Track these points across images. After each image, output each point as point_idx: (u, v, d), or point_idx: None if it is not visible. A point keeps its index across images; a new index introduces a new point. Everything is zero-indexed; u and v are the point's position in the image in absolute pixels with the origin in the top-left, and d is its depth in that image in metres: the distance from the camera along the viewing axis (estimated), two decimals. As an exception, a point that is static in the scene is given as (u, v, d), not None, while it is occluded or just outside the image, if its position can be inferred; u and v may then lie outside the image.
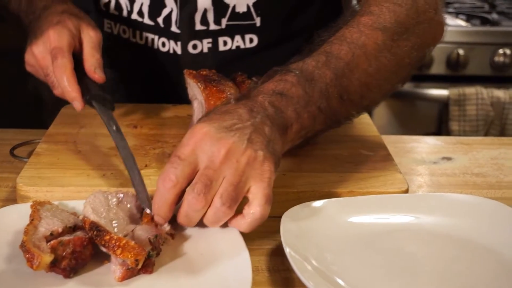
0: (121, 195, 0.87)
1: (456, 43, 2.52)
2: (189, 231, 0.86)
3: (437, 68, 2.55)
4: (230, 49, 1.25)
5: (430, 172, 1.13)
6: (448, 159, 1.17)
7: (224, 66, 1.08)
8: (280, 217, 0.85)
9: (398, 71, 1.01)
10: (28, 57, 1.09)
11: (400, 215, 0.92)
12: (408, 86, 2.56)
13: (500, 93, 2.50)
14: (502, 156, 1.18)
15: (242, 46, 1.25)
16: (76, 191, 0.94)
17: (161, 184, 0.82)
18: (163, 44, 1.26)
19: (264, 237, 0.90)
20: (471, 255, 0.86)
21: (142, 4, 1.25)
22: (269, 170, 0.83)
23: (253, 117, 0.85)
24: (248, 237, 0.83)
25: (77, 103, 1.03)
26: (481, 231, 0.89)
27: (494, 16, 2.66)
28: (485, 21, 2.62)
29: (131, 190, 0.89)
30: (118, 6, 1.27)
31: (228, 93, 1.04)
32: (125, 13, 1.27)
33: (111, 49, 1.17)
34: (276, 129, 0.86)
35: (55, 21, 1.07)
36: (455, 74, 2.56)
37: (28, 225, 0.79)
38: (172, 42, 1.26)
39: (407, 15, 0.99)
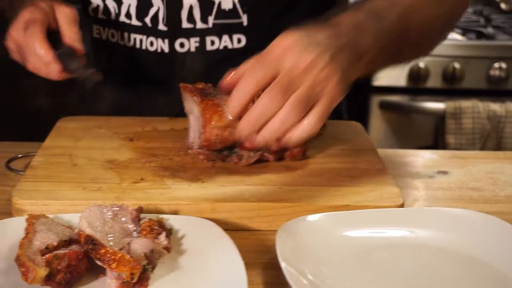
0: (117, 209, 0.87)
1: (452, 57, 2.53)
2: (185, 245, 0.86)
3: (433, 81, 2.55)
4: (217, 49, 1.26)
5: (426, 186, 1.13)
6: (444, 173, 1.17)
7: (213, 66, 1.09)
8: (276, 230, 0.85)
9: (446, 21, 1.16)
10: (8, 43, 1.11)
11: (396, 229, 0.92)
12: (404, 99, 2.57)
13: (496, 107, 2.51)
14: (498, 171, 1.18)
15: (230, 46, 1.26)
16: (71, 204, 0.94)
17: (242, 81, 0.85)
18: (151, 43, 1.27)
19: (259, 251, 0.90)
20: (467, 270, 0.86)
21: (129, 6, 1.26)
22: (338, 93, 0.86)
23: (338, 40, 0.89)
24: (244, 251, 0.83)
25: (54, 66, 1.06)
26: (477, 245, 0.89)
27: (490, 30, 2.67)
28: (480, 35, 2.63)
29: (126, 204, 0.89)
30: (106, 10, 1.28)
31: (225, 106, 1.04)
32: (113, 16, 1.28)
33: (100, 56, 1.22)
34: (353, 56, 0.90)
35: (28, 4, 1.11)
36: (451, 87, 2.57)
37: (23, 238, 0.79)
38: (160, 40, 1.26)
39: None
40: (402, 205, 0.97)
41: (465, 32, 2.66)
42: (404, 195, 0.99)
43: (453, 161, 1.22)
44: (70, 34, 1.11)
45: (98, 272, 0.80)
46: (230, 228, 0.92)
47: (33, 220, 0.83)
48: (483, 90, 2.57)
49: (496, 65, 2.53)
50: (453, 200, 1.08)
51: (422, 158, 1.24)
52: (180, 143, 1.14)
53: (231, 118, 0.87)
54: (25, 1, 1.14)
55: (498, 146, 2.55)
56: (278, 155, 1.08)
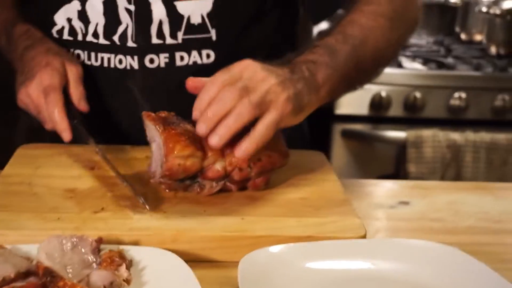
0: (76, 240, 0.86)
1: (413, 86, 2.56)
2: (146, 277, 0.85)
3: (395, 110, 2.58)
4: (187, 65, 1.25)
5: (388, 216, 1.13)
6: (406, 203, 1.18)
7: (183, 82, 1.09)
8: (238, 262, 0.85)
9: (396, 47, 1.25)
10: (22, 97, 1.18)
11: (358, 261, 0.92)
12: (366, 128, 2.59)
13: (456, 136, 2.54)
14: (460, 201, 1.19)
15: (199, 62, 1.25)
16: (30, 234, 0.92)
17: (210, 82, 1.01)
18: (120, 61, 1.26)
19: (222, 283, 0.89)
20: (428, 302, 0.86)
21: (97, 25, 1.25)
22: (287, 110, 1.02)
23: (291, 74, 1.05)
24: (206, 282, 0.82)
25: (66, 133, 1.14)
26: (437, 277, 0.90)
27: (450, 60, 2.71)
28: (441, 65, 2.67)
29: (86, 234, 0.87)
30: (72, 31, 1.27)
31: (187, 136, 1.03)
32: (80, 37, 1.27)
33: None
34: (307, 88, 1.05)
35: (43, 63, 1.18)
36: (413, 116, 2.59)
37: (-21, 270, 0.77)
38: (129, 57, 1.26)
39: (401, 5, 1.21)
40: (364, 236, 0.97)
41: (426, 61, 2.70)
42: (366, 226, 0.99)
43: (414, 191, 1.23)
44: (77, 94, 1.20)
45: (56, 305, 0.78)
46: (191, 259, 0.91)
47: (-10, 251, 0.81)
48: (443, 119, 2.61)
49: (456, 94, 2.56)
50: (414, 231, 1.09)
51: (383, 188, 1.25)
52: (143, 171, 1.13)
53: (195, 117, 1.00)
54: (36, 56, 1.21)
55: (458, 174, 2.58)
56: (240, 185, 1.08)
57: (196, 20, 1.23)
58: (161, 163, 1.04)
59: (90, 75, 1.28)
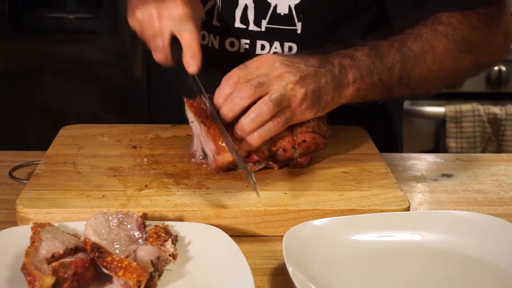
0: (122, 216, 0.87)
1: (451, 60, 2.53)
2: (191, 252, 0.85)
3: (433, 85, 2.55)
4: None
5: (431, 189, 1.13)
6: (449, 176, 1.17)
7: None
8: (282, 236, 0.85)
9: (455, 76, 1.18)
10: (142, 16, 1.10)
11: (402, 233, 0.91)
12: (405, 104, 2.57)
13: (496, 110, 2.51)
14: (502, 173, 1.18)
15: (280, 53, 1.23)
16: (76, 212, 0.93)
17: (225, 79, 1.01)
18: (203, 37, 1.27)
19: (266, 257, 0.89)
20: (474, 272, 0.85)
21: None
22: (301, 107, 1.02)
23: (318, 66, 1.04)
24: (250, 257, 0.82)
25: (195, 61, 1.07)
26: (483, 247, 0.89)
27: (489, 33, 2.67)
28: (480, 38, 2.63)
29: (132, 211, 0.88)
30: None
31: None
32: None
33: None
34: (333, 84, 1.04)
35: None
36: (451, 91, 2.56)
37: (29, 247, 0.79)
38: (211, 35, 1.27)
39: (478, 37, 1.15)
40: (408, 209, 0.97)
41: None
42: (409, 199, 0.99)
43: (456, 164, 1.22)
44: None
45: (105, 280, 0.79)
46: (235, 234, 0.92)
47: (38, 229, 0.83)
48: (483, 93, 2.58)
49: (496, 68, 2.53)
50: (458, 203, 1.08)
51: (426, 162, 1.24)
52: (183, 150, 1.13)
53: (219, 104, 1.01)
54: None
55: (499, 149, 2.55)
56: (283, 163, 1.08)
57: (282, 10, 1.21)
58: (201, 144, 1.04)
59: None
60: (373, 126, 1.42)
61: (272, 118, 1.00)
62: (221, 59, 1.23)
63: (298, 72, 1.02)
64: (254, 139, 1.00)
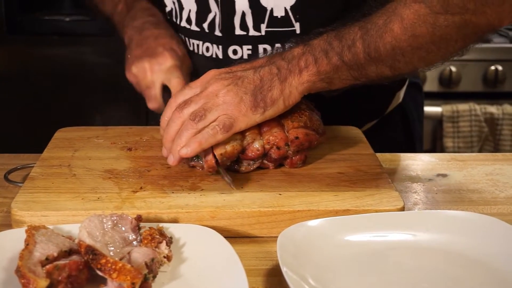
0: (116, 218, 0.87)
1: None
2: (186, 254, 0.86)
3: (430, 85, 2.56)
4: None
5: (426, 189, 1.13)
6: (443, 175, 1.17)
7: None
8: (276, 237, 0.85)
9: (440, 42, 1.02)
10: (136, 72, 1.27)
11: (397, 233, 0.91)
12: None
13: (493, 109, 2.51)
14: (497, 172, 1.18)
15: None
16: (71, 215, 0.93)
17: (172, 99, 1.07)
18: (207, 49, 1.29)
19: (261, 258, 0.90)
20: (469, 272, 0.85)
21: (190, 11, 1.28)
22: (244, 112, 1.02)
23: (260, 66, 1.04)
24: (245, 258, 0.83)
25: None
26: (478, 247, 0.89)
27: (485, 32, 2.67)
28: (476, 38, 2.63)
29: (126, 213, 0.89)
30: (175, 13, 1.32)
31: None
32: (178, 21, 1.31)
33: None
34: (279, 77, 1.03)
35: (168, 47, 1.28)
36: (448, 91, 2.57)
37: (23, 250, 0.79)
38: (215, 46, 1.28)
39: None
40: (402, 209, 0.97)
41: (460, 35, 2.66)
42: (404, 199, 0.99)
43: (452, 163, 1.22)
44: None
45: (99, 282, 0.79)
46: (230, 236, 0.92)
47: (33, 231, 0.83)
48: (480, 92, 2.58)
49: (492, 67, 2.53)
50: (453, 202, 1.08)
51: (421, 161, 1.24)
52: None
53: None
54: (160, 37, 1.29)
55: (496, 149, 2.55)
56: (277, 162, 1.08)
57: (279, 13, 1.22)
58: (201, 154, 1.05)
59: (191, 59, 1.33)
60: (392, 126, 1.43)
61: (207, 127, 1.01)
62: (224, 67, 1.25)
63: (233, 80, 1.03)
64: (193, 147, 1.01)
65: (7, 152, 1.23)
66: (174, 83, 1.24)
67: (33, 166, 1.09)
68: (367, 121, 1.30)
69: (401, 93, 1.44)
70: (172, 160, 1.03)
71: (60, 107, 2.46)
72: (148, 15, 1.33)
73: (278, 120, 1.07)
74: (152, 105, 1.27)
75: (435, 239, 0.91)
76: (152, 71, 1.25)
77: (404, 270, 0.86)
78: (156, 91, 1.26)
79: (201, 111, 1.01)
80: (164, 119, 1.07)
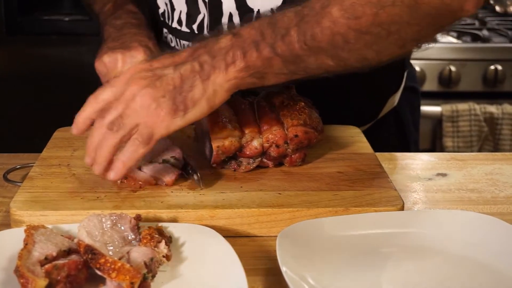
0: (115, 218, 0.87)
1: (447, 60, 2.54)
2: (185, 253, 0.85)
3: (430, 85, 2.56)
4: None
5: (425, 188, 1.13)
6: (443, 175, 1.17)
7: None
8: (276, 236, 0.85)
9: (387, 25, 0.92)
10: (106, 60, 1.21)
11: (396, 232, 0.91)
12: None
13: (493, 109, 2.51)
14: (497, 172, 1.18)
15: None
16: (70, 214, 0.93)
17: (93, 99, 0.97)
18: None
19: (260, 257, 0.89)
20: (468, 271, 0.85)
21: (180, 12, 1.28)
22: (162, 117, 0.93)
23: (181, 63, 0.95)
24: (244, 257, 0.82)
25: None
26: (478, 246, 0.89)
27: (485, 32, 2.67)
28: (476, 38, 2.64)
29: (126, 212, 0.88)
30: (168, 15, 1.32)
31: (223, 116, 1.04)
32: (170, 22, 1.31)
33: None
34: (200, 76, 0.94)
35: (143, 44, 1.22)
36: (448, 90, 2.57)
37: (22, 249, 0.79)
38: None
39: None
40: (402, 208, 0.97)
41: (460, 35, 2.66)
42: (403, 198, 0.99)
43: (451, 163, 1.22)
44: None
45: (98, 282, 0.79)
46: (229, 235, 0.92)
47: (32, 231, 0.83)
48: (479, 92, 2.58)
49: (492, 67, 2.53)
50: (453, 202, 1.08)
51: (420, 161, 1.24)
52: (183, 149, 1.13)
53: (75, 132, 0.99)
54: (138, 35, 1.24)
55: (496, 148, 2.55)
56: (277, 161, 1.08)
57: (266, 13, 1.20)
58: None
59: None
60: (386, 129, 1.42)
61: (128, 143, 0.95)
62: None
63: (152, 80, 0.94)
64: (118, 168, 0.96)
65: (6, 151, 1.23)
66: None
67: (32, 166, 1.09)
68: (359, 125, 1.29)
69: (396, 97, 1.43)
70: (97, 171, 0.97)
71: (60, 107, 2.46)
72: (132, 17, 1.31)
73: (277, 118, 1.07)
74: None
75: (434, 238, 0.90)
76: (124, 62, 1.19)
77: (403, 269, 0.85)
78: None
79: (118, 120, 0.94)
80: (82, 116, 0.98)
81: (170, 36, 1.35)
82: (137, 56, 1.19)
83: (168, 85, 0.94)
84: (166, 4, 1.31)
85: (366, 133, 1.27)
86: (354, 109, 1.36)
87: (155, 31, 1.31)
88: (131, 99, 0.94)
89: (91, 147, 0.97)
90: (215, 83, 0.94)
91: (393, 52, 0.98)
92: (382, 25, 0.91)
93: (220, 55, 0.94)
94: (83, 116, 0.97)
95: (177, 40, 1.33)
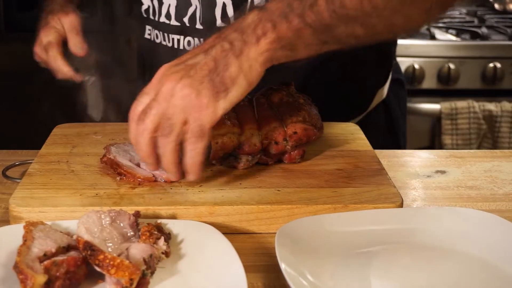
0: (114, 214, 0.87)
1: (446, 57, 2.54)
2: (184, 250, 0.85)
3: (429, 82, 2.56)
4: None
5: (424, 185, 1.13)
6: (442, 172, 1.17)
7: None
8: (275, 233, 0.85)
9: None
10: (36, 56, 1.36)
11: (395, 229, 0.91)
12: (400, 101, 2.57)
13: (491, 106, 2.51)
14: (496, 169, 1.18)
15: None
16: (69, 211, 0.93)
17: (132, 111, 0.97)
18: (189, 43, 1.28)
19: (259, 254, 0.89)
20: (466, 268, 0.85)
21: (169, 6, 1.27)
22: (204, 105, 0.91)
23: (209, 47, 0.94)
24: (243, 254, 0.82)
25: (76, 76, 1.35)
26: (477, 244, 0.89)
27: (484, 30, 2.67)
28: (475, 35, 2.63)
29: (125, 209, 0.88)
30: (153, 10, 1.31)
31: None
32: (157, 17, 1.31)
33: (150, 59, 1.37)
34: (233, 53, 0.92)
35: (43, 24, 1.34)
36: (447, 88, 2.57)
37: (21, 246, 0.79)
38: (196, 40, 1.27)
39: None
40: (401, 205, 0.97)
41: (459, 32, 2.66)
42: (402, 195, 0.99)
43: (450, 160, 1.22)
44: (73, 42, 1.32)
45: (97, 278, 0.79)
46: (228, 232, 0.92)
47: (31, 227, 0.83)
48: (478, 90, 2.58)
49: (491, 65, 2.53)
50: (452, 199, 1.08)
51: (419, 158, 1.24)
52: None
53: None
54: (43, 18, 1.35)
55: (495, 146, 2.55)
56: (276, 158, 1.08)
57: (259, 1, 1.20)
58: None
59: (164, 55, 1.30)
60: (376, 122, 1.42)
61: (187, 147, 0.94)
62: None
63: (185, 71, 0.92)
64: (193, 170, 0.96)
65: (5, 148, 1.23)
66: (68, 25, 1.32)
67: (31, 162, 1.08)
68: (349, 119, 1.29)
69: (385, 89, 1.44)
70: (174, 178, 0.99)
71: (59, 104, 2.46)
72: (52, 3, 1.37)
73: (276, 115, 1.07)
74: (58, 75, 1.35)
75: (433, 235, 0.90)
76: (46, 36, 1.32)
77: (402, 266, 0.85)
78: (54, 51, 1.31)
79: (165, 123, 0.92)
80: (131, 136, 0.97)
81: (155, 32, 1.33)
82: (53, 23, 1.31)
83: (203, 71, 0.92)
84: (151, 0, 1.30)
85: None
86: (345, 102, 1.36)
87: (134, 31, 1.36)
88: (170, 95, 0.92)
89: (146, 156, 0.96)
90: (249, 57, 0.92)
91: (420, 18, 0.98)
92: None
93: (249, 29, 0.93)
94: (133, 134, 0.96)
95: (165, 34, 1.31)
